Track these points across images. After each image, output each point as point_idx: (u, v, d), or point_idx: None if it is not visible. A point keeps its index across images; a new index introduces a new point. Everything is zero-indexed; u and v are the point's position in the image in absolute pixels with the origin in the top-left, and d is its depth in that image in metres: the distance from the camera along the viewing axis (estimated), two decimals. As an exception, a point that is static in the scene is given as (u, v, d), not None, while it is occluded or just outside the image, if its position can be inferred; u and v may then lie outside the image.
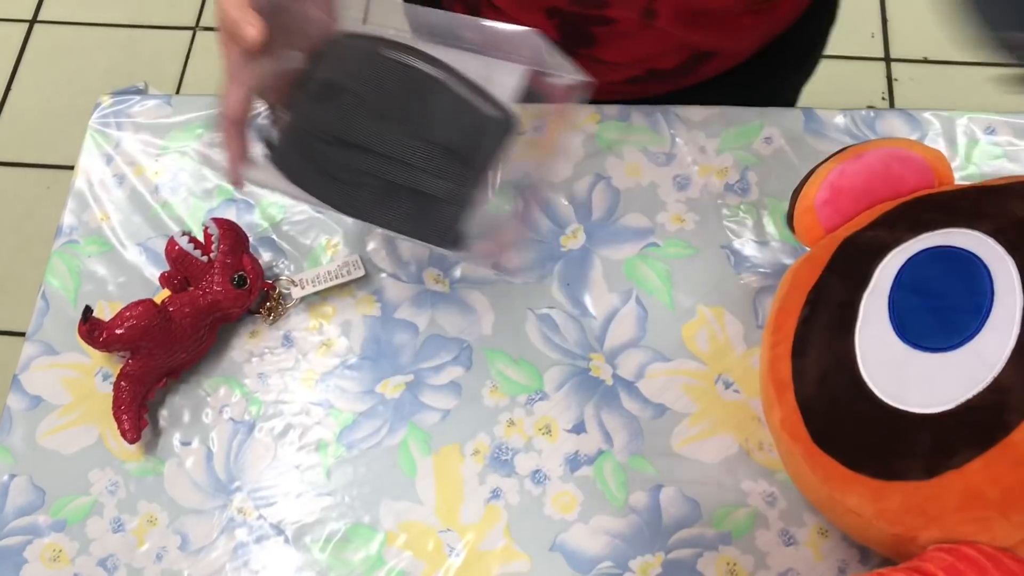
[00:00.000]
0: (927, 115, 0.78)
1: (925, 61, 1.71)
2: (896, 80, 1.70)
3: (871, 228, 0.61)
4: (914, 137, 0.77)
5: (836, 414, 0.56)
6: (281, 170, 0.61)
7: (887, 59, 1.72)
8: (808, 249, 0.66)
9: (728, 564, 0.63)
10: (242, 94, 0.57)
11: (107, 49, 1.81)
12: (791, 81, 0.92)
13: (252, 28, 0.55)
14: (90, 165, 0.79)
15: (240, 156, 0.59)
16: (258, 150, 0.61)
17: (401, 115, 0.57)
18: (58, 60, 1.82)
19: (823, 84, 1.74)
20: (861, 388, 0.56)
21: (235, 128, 0.58)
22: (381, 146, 0.57)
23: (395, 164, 0.57)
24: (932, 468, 0.53)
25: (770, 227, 0.74)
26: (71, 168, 0.79)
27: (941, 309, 0.56)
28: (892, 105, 1.67)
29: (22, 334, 0.73)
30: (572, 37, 0.73)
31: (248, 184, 0.62)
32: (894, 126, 0.78)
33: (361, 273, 0.72)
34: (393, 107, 0.57)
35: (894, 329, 0.56)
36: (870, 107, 1.68)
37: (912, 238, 0.59)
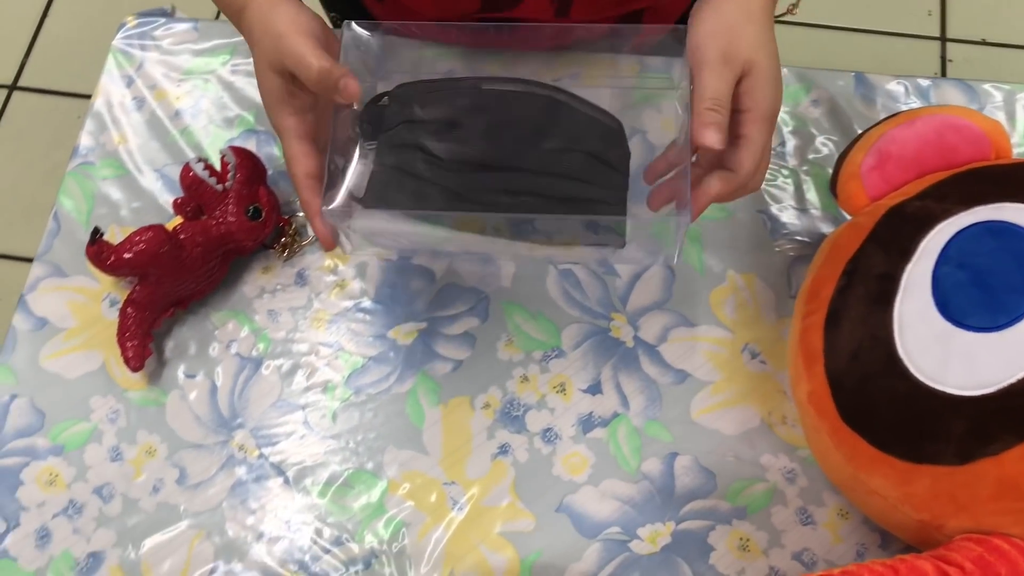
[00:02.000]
0: (987, 87, 0.74)
1: (983, 43, 1.65)
2: (951, 60, 1.63)
3: (919, 198, 0.58)
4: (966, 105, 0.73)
5: (867, 390, 0.53)
6: (389, 206, 0.57)
7: (943, 38, 1.66)
8: (850, 218, 0.63)
9: (741, 539, 0.61)
10: (307, 148, 0.56)
11: (145, -19, 1.79)
12: None
13: (351, 80, 0.53)
14: (110, 86, 0.77)
15: (318, 212, 0.56)
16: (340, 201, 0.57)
17: (540, 135, 0.57)
18: (95, -11, 1.79)
19: (872, 60, 1.69)
20: (896, 364, 0.53)
21: (313, 184, 0.55)
22: (533, 163, 0.56)
23: (551, 178, 0.56)
24: (966, 453, 0.50)
25: (811, 194, 0.71)
26: (103, 99, 0.77)
27: (988, 287, 0.52)
28: (944, 86, 1.61)
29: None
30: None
31: (349, 245, 0.59)
32: (950, 96, 0.74)
33: (380, 214, 0.70)
34: (528, 129, 0.57)
35: (936, 305, 0.53)
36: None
37: (962, 211, 0.55)
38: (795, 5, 0.59)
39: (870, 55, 1.64)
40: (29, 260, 1.53)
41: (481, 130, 0.57)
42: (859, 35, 1.63)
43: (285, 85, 0.55)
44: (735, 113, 0.54)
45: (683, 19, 0.67)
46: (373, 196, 0.56)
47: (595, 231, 0.59)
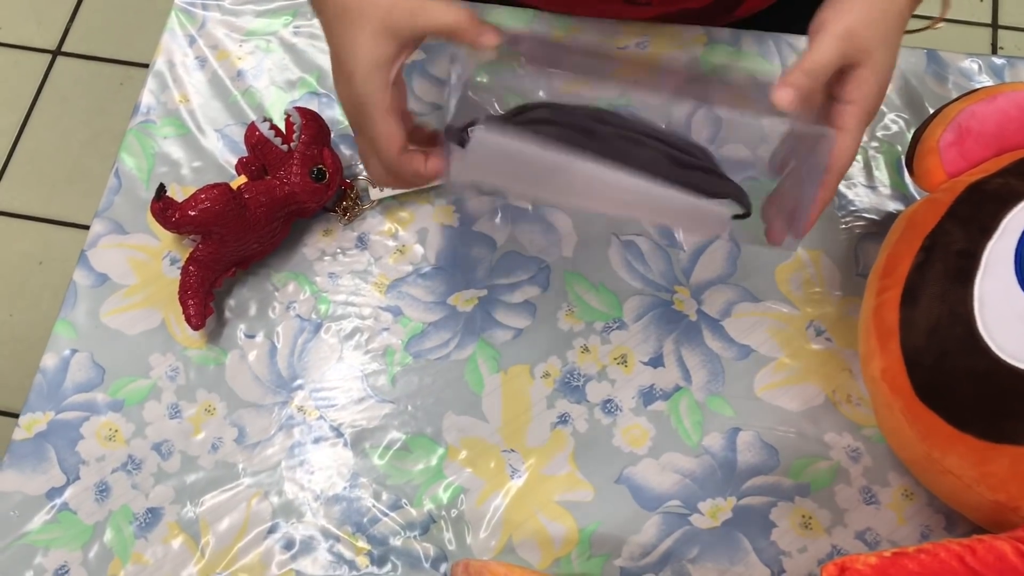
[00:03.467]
0: (1064, 66, 0.72)
1: (1036, 30, 1.62)
2: (1002, 48, 1.61)
3: (1001, 175, 0.57)
4: (1045, 89, 0.72)
5: (945, 367, 0.52)
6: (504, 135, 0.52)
7: (995, 25, 1.63)
8: (922, 195, 0.62)
9: (803, 517, 0.60)
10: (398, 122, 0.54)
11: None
12: None
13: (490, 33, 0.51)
14: (172, 45, 0.76)
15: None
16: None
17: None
18: (140, -43, 1.79)
19: (923, 46, 1.66)
20: (976, 342, 0.52)
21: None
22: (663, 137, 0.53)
23: (680, 151, 0.53)
24: (1048, 434, 0.49)
25: (880, 171, 0.69)
26: (146, 66, 0.77)
27: (1075, 266, 0.51)
28: (995, 74, 1.58)
29: (88, 228, 0.72)
30: None
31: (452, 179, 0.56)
32: (1024, 76, 0.72)
33: (442, 181, 0.69)
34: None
35: (1020, 283, 0.52)
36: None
37: (1048, 189, 0.54)
38: (939, 20, 0.57)
39: (920, 41, 1.61)
40: (72, 225, 1.55)
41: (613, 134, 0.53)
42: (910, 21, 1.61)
43: (395, 51, 0.52)
44: (839, 103, 0.52)
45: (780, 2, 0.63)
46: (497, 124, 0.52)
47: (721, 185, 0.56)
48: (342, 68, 0.53)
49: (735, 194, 0.54)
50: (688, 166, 0.52)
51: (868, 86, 0.51)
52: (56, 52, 1.70)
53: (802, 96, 0.50)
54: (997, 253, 0.53)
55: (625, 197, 0.52)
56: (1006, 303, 0.52)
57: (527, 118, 0.53)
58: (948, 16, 1.78)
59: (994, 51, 1.60)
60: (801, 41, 0.73)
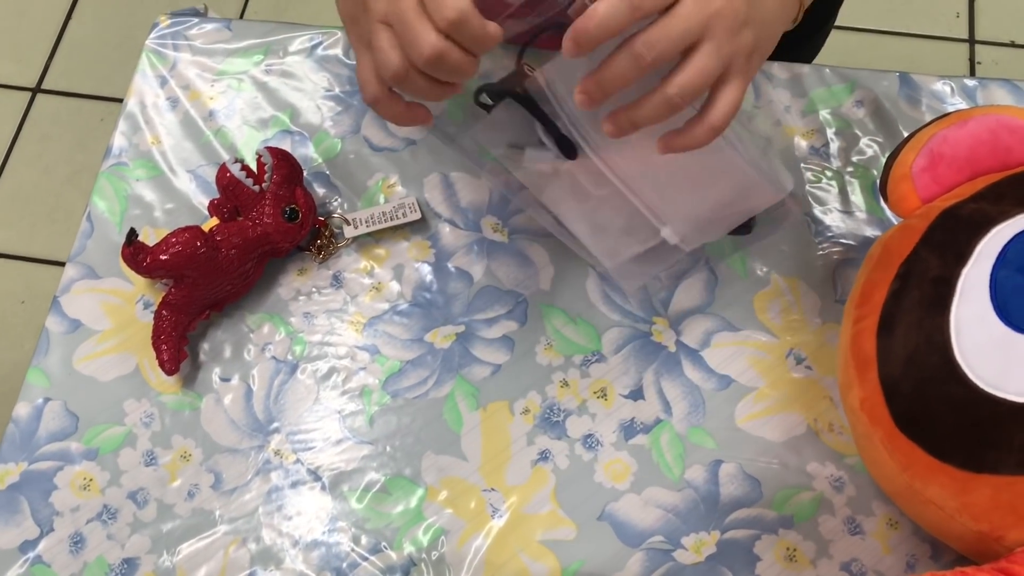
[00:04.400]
0: (1035, 86, 0.72)
1: (1012, 45, 1.63)
2: (979, 63, 1.62)
3: (974, 200, 0.56)
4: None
5: (923, 397, 0.52)
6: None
7: (971, 40, 1.64)
8: (898, 221, 0.61)
9: (788, 549, 0.59)
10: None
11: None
12: (804, 54, 0.85)
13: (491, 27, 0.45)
14: (144, 86, 0.76)
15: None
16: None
17: None
18: (119, -9, 1.80)
19: (901, 64, 1.67)
20: (953, 370, 0.51)
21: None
22: None
23: None
24: (1029, 463, 0.48)
25: (856, 196, 0.69)
26: (126, 99, 0.76)
27: (1050, 291, 0.51)
28: (973, 89, 1.59)
29: (67, 259, 0.71)
30: None
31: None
32: (997, 96, 0.72)
33: (417, 216, 0.69)
34: None
35: (995, 310, 0.51)
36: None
37: (1021, 213, 0.54)
38: None
39: (897, 56, 1.62)
40: (53, 263, 1.54)
41: None
42: (887, 37, 1.62)
43: None
44: None
45: None
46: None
47: None
48: None
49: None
50: None
51: None
52: (36, 89, 1.69)
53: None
54: (972, 279, 0.53)
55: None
56: (982, 330, 0.51)
57: None
58: (925, 32, 1.79)
59: (972, 66, 1.61)
60: (777, 68, 0.73)
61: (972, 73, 1.61)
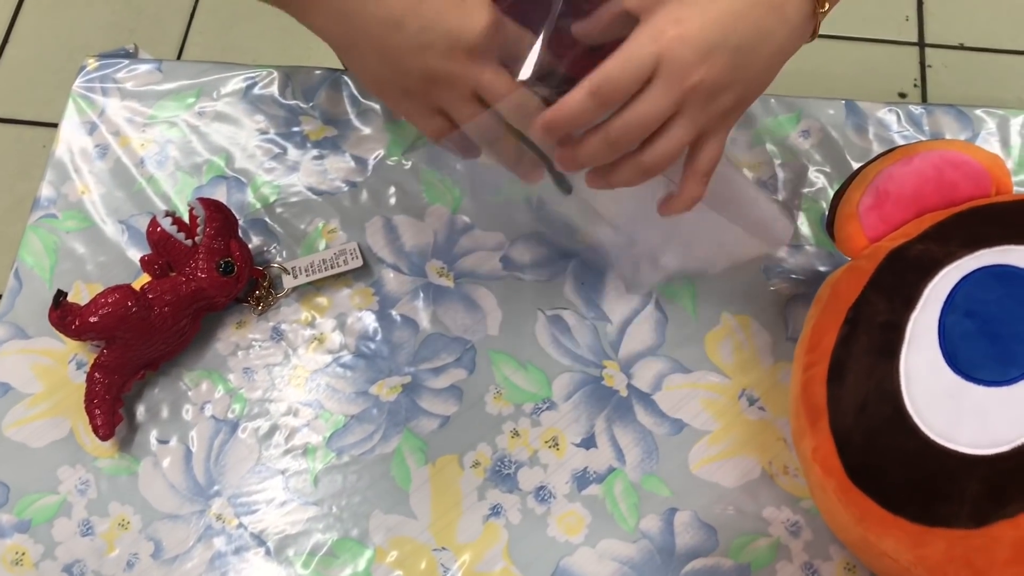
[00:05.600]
0: (979, 112, 0.72)
1: (961, 47, 1.64)
2: (930, 66, 1.62)
3: (921, 240, 0.56)
4: (964, 136, 0.71)
5: (875, 448, 0.51)
6: None
7: (921, 44, 1.65)
8: (847, 259, 0.61)
9: (745, 599, 0.58)
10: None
11: (109, 2, 1.75)
12: None
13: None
14: (71, 133, 0.73)
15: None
16: None
17: None
18: (58, 12, 1.75)
19: (853, 68, 1.67)
20: (904, 421, 0.50)
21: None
22: None
23: None
24: (981, 516, 0.47)
25: (804, 229, 0.68)
26: (66, 129, 0.73)
27: (998, 337, 0.50)
28: (924, 92, 1.60)
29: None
30: None
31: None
32: (943, 123, 0.71)
33: (359, 263, 0.67)
34: None
35: (944, 357, 0.51)
36: (901, 94, 1.61)
37: (967, 254, 0.53)
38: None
39: (849, 62, 1.62)
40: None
41: None
42: (837, 42, 1.62)
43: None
44: None
45: None
46: None
47: None
48: (406, 34, 0.48)
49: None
50: None
51: (639, 30, 0.46)
52: (-26, 117, 1.64)
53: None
54: (921, 325, 0.52)
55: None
56: (932, 379, 0.50)
57: None
58: (875, 36, 1.78)
59: (922, 69, 1.62)
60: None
61: (923, 76, 1.61)
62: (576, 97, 0.46)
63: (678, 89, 0.46)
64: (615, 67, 0.45)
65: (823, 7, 0.49)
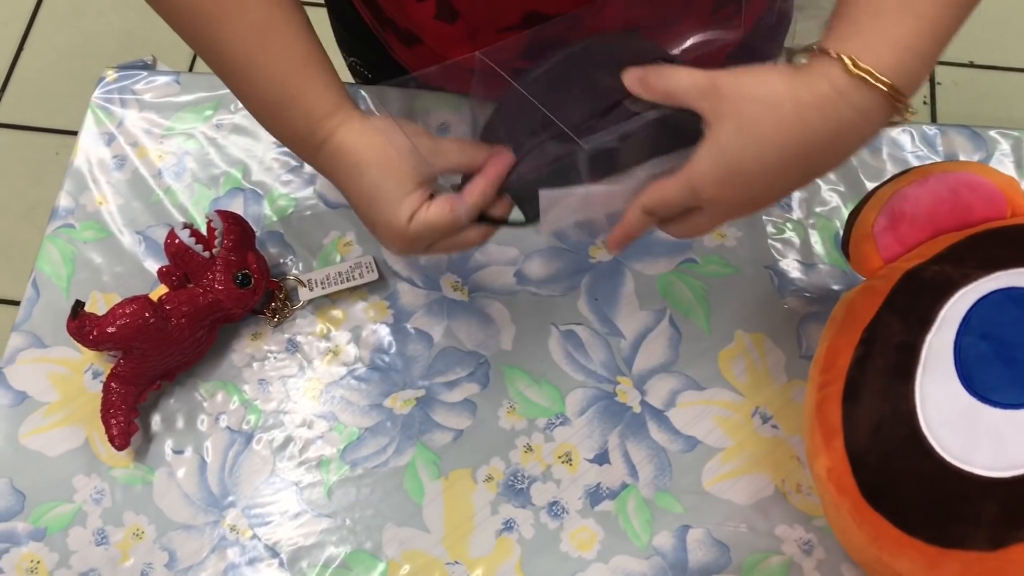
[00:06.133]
0: (993, 133, 0.72)
1: (971, 65, 1.64)
2: (939, 84, 1.63)
3: (936, 262, 0.56)
4: (977, 156, 0.71)
5: (890, 469, 0.51)
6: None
7: (931, 61, 1.65)
8: (861, 278, 0.61)
9: (758, 618, 0.58)
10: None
11: (122, 12, 1.76)
12: None
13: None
14: (90, 144, 0.74)
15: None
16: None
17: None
18: (72, 21, 1.76)
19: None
20: (920, 443, 0.50)
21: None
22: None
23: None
24: (998, 539, 0.47)
25: (818, 248, 0.68)
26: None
27: (1014, 360, 0.50)
28: (934, 110, 1.60)
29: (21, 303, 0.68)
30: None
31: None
32: (956, 143, 0.72)
33: (374, 276, 0.67)
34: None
35: (960, 379, 0.51)
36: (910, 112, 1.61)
37: (983, 276, 0.53)
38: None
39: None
40: (6, 302, 1.50)
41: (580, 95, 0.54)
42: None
43: (423, 193, 0.54)
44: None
45: None
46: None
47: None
48: (385, 219, 0.54)
49: None
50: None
51: (701, 154, 0.48)
52: (-13, 123, 1.65)
53: (642, 84, 0.50)
54: (937, 347, 0.52)
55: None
56: (948, 401, 0.50)
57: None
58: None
59: (932, 87, 1.62)
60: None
61: (932, 94, 1.62)
62: (635, 215, 0.52)
63: (721, 219, 0.52)
64: (674, 194, 0.50)
65: (905, 112, 0.47)
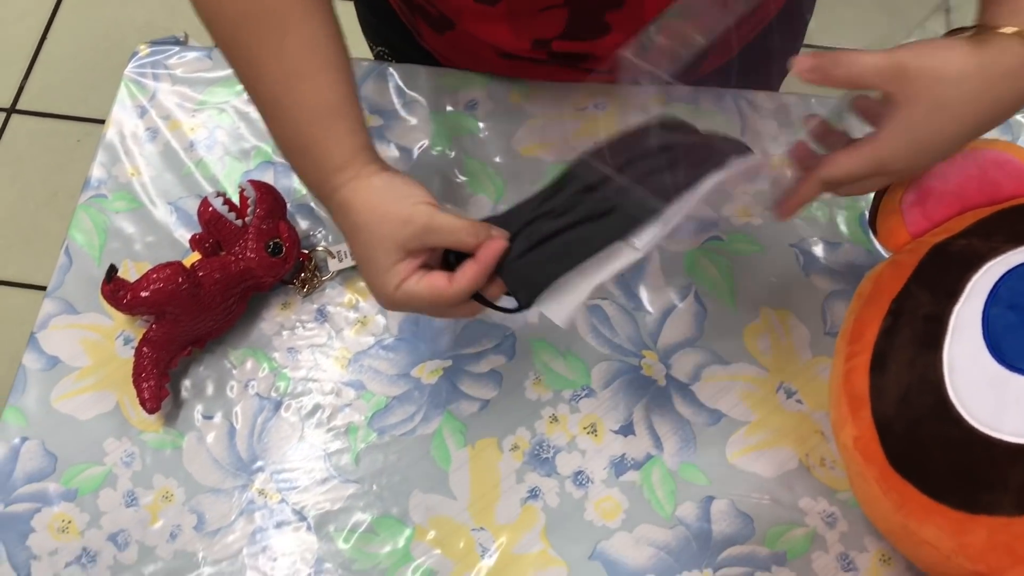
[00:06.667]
0: (1019, 117, 0.72)
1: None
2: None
3: (964, 236, 0.56)
4: (1004, 139, 0.72)
5: (918, 437, 0.52)
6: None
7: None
8: (887, 254, 0.61)
9: (781, 587, 0.59)
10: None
11: (145, 1, 1.77)
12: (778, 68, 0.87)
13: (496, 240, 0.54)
14: (123, 116, 0.75)
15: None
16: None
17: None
18: (95, 10, 1.78)
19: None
20: (948, 410, 0.51)
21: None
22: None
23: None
24: (1025, 504, 0.48)
25: (843, 227, 0.69)
26: (103, 122, 0.75)
27: (1042, 329, 0.51)
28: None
29: (46, 288, 0.69)
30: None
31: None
32: (982, 127, 0.72)
33: (403, 248, 0.68)
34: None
35: (988, 348, 0.51)
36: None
37: (1011, 249, 0.54)
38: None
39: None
40: (29, 287, 1.51)
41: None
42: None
43: (413, 262, 0.53)
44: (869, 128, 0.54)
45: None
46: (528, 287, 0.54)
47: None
48: (373, 280, 0.54)
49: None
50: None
51: (892, 133, 0.51)
52: (10, 110, 1.67)
53: (819, 72, 0.51)
54: (964, 317, 0.53)
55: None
56: (976, 369, 0.51)
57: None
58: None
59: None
60: (759, 96, 0.73)
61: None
62: (811, 185, 0.55)
63: (900, 179, 0.57)
64: (861, 168, 0.52)
65: None
